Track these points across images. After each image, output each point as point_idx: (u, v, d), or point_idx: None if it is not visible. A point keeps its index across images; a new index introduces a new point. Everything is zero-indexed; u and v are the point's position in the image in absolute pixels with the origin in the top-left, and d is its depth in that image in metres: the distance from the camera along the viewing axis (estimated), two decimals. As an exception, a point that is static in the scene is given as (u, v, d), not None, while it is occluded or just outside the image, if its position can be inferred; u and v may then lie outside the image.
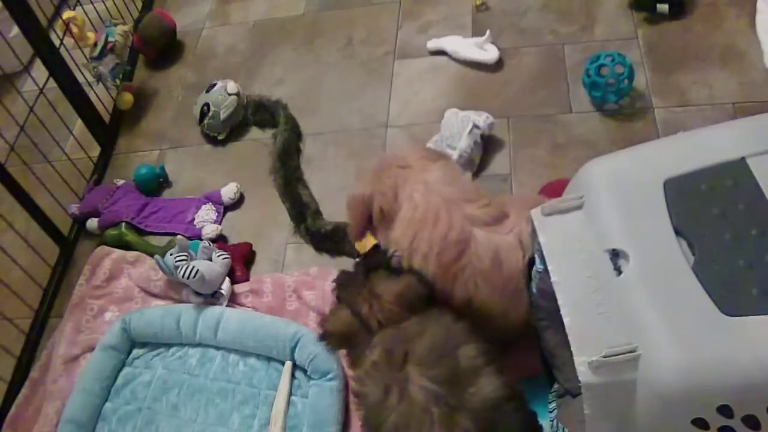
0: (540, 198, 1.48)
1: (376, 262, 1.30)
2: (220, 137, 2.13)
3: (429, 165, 1.40)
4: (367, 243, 1.47)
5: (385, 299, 1.22)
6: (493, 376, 1.13)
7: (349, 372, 1.42)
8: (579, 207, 1.11)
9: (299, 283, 1.71)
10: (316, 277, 1.71)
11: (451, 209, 1.32)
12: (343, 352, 1.38)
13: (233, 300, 1.71)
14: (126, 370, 1.65)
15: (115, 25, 2.28)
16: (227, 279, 1.71)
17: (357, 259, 1.36)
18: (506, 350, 1.44)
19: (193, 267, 1.61)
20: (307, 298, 1.68)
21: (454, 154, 1.77)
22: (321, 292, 1.67)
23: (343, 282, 1.33)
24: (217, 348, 1.63)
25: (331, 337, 1.27)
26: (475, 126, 1.82)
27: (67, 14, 2.16)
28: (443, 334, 1.17)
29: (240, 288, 1.73)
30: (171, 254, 1.71)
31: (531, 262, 1.24)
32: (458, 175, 1.46)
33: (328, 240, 1.79)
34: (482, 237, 1.31)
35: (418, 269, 1.30)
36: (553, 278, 1.04)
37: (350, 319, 1.24)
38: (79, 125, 2.24)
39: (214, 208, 1.95)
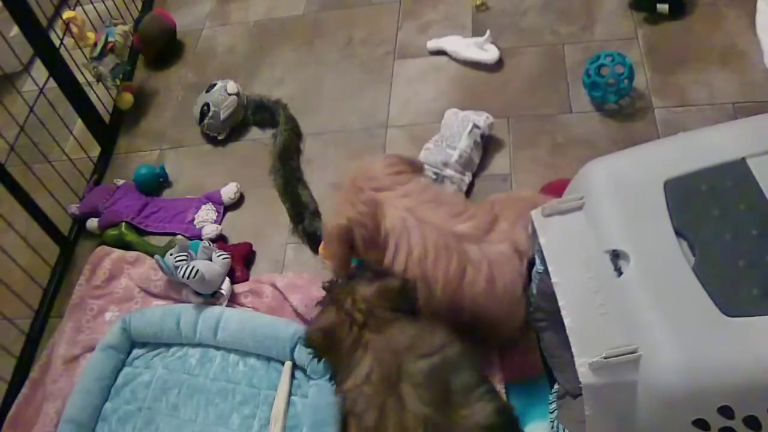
0: (535, 196, 1.47)
1: (362, 270, 1.32)
2: (220, 137, 2.13)
3: (403, 184, 1.40)
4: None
5: (366, 293, 1.23)
6: (485, 399, 1.11)
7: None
8: (579, 208, 1.11)
9: (288, 286, 1.70)
10: (309, 282, 1.69)
11: (447, 239, 1.32)
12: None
13: (233, 300, 1.70)
14: (126, 370, 1.65)
15: (115, 25, 2.28)
16: (227, 279, 1.71)
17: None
18: (506, 351, 1.45)
19: (193, 267, 1.61)
20: (294, 303, 1.66)
21: (454, 154, 1.77)
22: (308, 298, 1.64)
23: (330, 286, 1.33)
24: (217, 348, 1.63)
25: (315, 334, 1.26)
26: (475, 126, 1.82)
27: (67, 14, 2.16)
28: (439, 355, 1.15)
29: (240, 288, 1.73)
30: (171, 254, 1.71)
31: (531, 263, 1.24)
32: (436, 189, 1.47)
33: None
34: (475, 254, 1.31)
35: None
36: (554, 279, 1.05)
37: (334, 315, 1.24)
38: (79, 125, 2.24)
39: (214, 208, 1.95)
